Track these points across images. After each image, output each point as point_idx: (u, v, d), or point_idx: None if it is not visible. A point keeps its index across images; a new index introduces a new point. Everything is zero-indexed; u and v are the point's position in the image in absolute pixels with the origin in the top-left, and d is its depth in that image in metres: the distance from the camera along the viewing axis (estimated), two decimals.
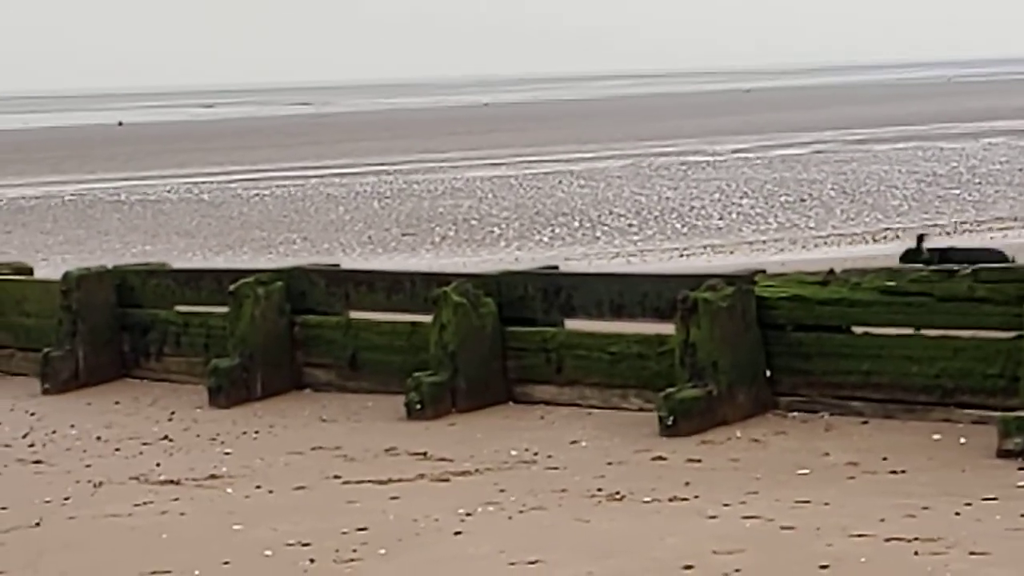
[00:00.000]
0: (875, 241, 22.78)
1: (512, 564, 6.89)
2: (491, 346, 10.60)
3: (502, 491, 8.25)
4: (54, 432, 10.71)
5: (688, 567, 6.67)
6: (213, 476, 9.05)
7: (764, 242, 23.52)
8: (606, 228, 26.40)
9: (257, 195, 35.91)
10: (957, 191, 30.16)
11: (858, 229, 24.43)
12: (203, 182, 40.79)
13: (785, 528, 7.22)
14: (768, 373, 9.78)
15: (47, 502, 8.61)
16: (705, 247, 23.22)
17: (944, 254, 11.07)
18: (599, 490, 8.18)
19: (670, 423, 9.40)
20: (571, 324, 10.70)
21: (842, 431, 9.24)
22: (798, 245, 22.66)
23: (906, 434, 9.06)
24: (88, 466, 9.54)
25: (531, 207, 30.26)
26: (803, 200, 29.47)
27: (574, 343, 10.44)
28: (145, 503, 8.45)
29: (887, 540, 6.92)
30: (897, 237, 22.86)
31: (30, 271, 14.27)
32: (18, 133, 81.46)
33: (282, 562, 7.15)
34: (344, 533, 7.53)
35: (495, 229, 26.80)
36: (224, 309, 11.71)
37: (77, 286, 12.51)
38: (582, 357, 10.36)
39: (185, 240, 27.24)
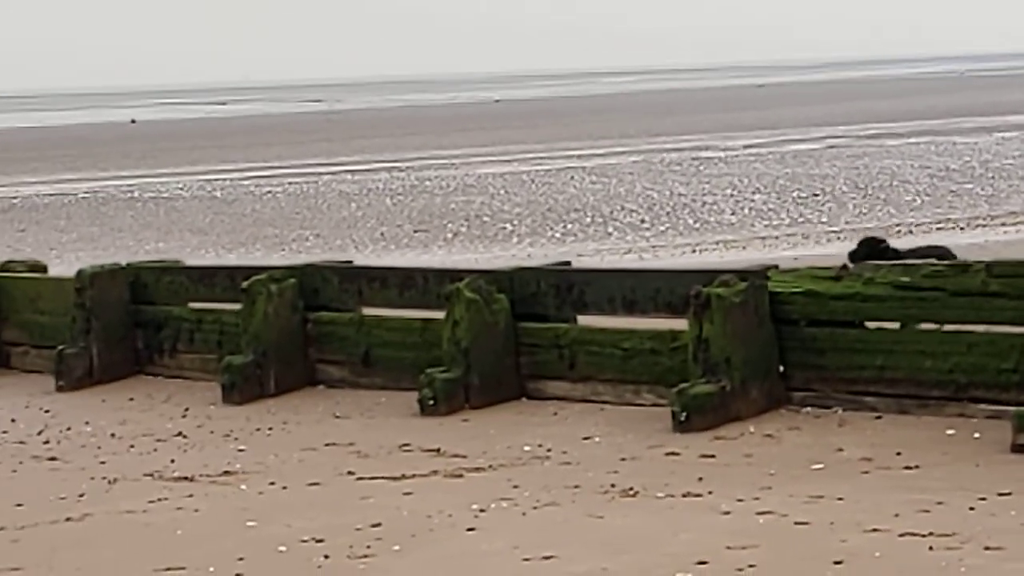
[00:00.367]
0: (888, 236, 22.72)
1: (526, 560, 6.90)
2: (504, 342, 10.60)
3: (515, 487, 8.26)
4: (69, 429, 10.74)
5: (702, 563, 6.67)
6: (227, 472, 9.06)
7: (777, 237, 23.49)
8: (618, 224, 26.38)
9: (270, 192, 35.94)
10: (970, 186, 30.09)
11: (871, 224, 24.37)
12: (216, 179, 40.82)
13: (799, 523, 7.21)
14: (781, 368, 9.77)
15: (62, 499, 8.63)
16: (717, 242, 23.19)
17: (890, 253, 11.01)
18: (612, 486, 8.18)
19: (683, 419, 9.40)
20: (583, 320, 10.70)
21: (856, 426, 9.23)
22: (811, 240, 22.63)
23: (920, 429, 9.05)
24: (103, 463, 9.56)
25: (543, 203, 30.25)
26: (816, 195, 29.42)
27: (587, 339, 10.44)
28: (159, 499, 8.47)
29: (901, 535, 6.92)
30: (910, 232, 22.82)
31: (44, 268, 14.29)
32: (32, 131, 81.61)
33: (296, 558, 7.16)
34: (358, 529, 7.54)
35: (507, 225, 26.79)
36: (237, 306, 11.72)
37: (91, 283, 12.54)
38: (595, 353, 10.36)
39: (198, 237, 27.27)
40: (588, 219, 27.24)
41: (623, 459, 8.83)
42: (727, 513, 7.49)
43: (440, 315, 10.72)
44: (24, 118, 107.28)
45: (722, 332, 9.57)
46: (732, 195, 30.35)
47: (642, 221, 26.67)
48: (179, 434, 10.35)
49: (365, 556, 7.12)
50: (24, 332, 13.38)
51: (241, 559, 7.17)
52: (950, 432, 8.94)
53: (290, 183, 38.41)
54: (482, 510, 7.81)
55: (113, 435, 10.43)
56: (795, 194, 29.81)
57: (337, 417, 10.62)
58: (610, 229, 25.71)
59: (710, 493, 7.91)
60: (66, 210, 33.61)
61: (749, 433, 9.27)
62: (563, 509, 7.77)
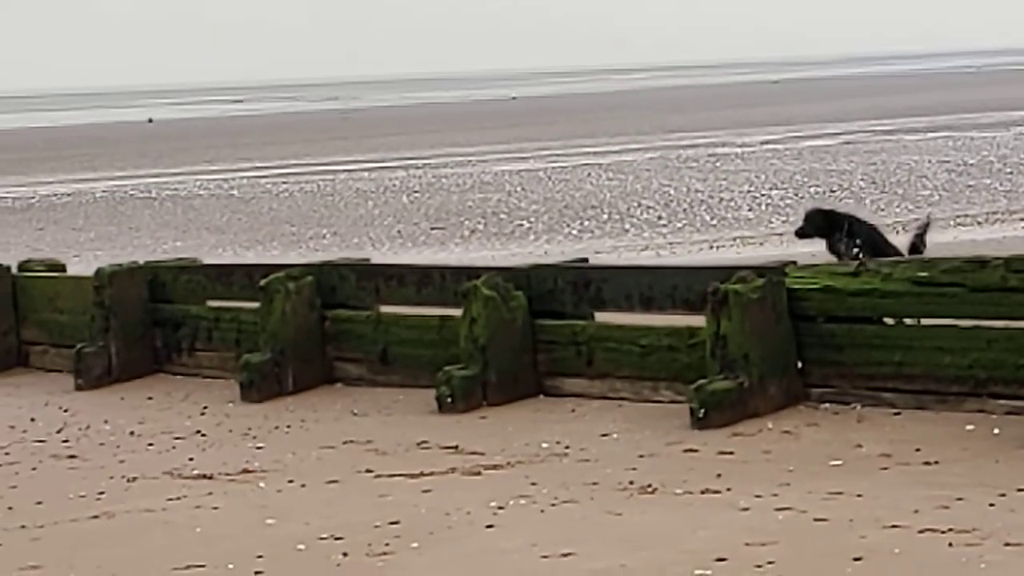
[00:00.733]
0: (906, 231, 22.66)
1: (544, 557, 6.90)
2: (521, 339, 10.60)
3: (534, 484, 8.26)
4: (88, 427, 10.76)
5: (721, 559, 6.67)
6: (246, 471, 9.08)
7: None
8: (635, 221, 26.35)
9: (287, 190, 35.98)
10: (988, 180, 30.00)
11: (889, 220, 24.31)
12: (233, 178, 40.89)
13: (818, 520, 7.20)
14: (799, 365, 9.76)
15: (81, 497, 8.66)
16: (735, 239, 23.16)
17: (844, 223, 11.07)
18: (631, 483, 8.18)
19: (701, 415, 9.39)
20: (601, 317, 10.69)
21: (874, 422, 9.21)
22: None
23: (939, 425, 9.03)
24: (122, 461, 9.58)
25: (560, 200, 30.24)
26: (833, 191, 29.36)
27: (604, 336, 10.44)
28: (178, 498, 8.49)
29: (921, 531, 6.90)
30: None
31: (63, 268, 14.34)
32: (49, 131, 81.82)
33: (315, 556, 7.17)
34: (376, 527, 7.54)
35: (524, 222, 26.78)
36: (255, 304, 11.74)
37: (109, 282, 12.57)
38: (612, 350, 10.36)
39: (216, 236, 27.31)
40: (605, 216, 27.22)
41: (641, 456, 8.83)
42: (746, 510, 7.48)
43: (457, 313, 10.73)
44: (41, 118, 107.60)
45: (740, 328, 9.56)
46: (749, 191, 30.31)
47: (659, 218, 26.65)
48: (198, 432, 10.37)
49: (383, 554, 7.12)
50: (43, 331, 13.42)
51: (260, 557, 7.19)
52: (969, 428, 8.92)
53: (307, 181, 38.46)
54: (500, 507, 7.81)
55: (132, 433, 10.46)
56: (812, 190, 29.75)
57: (355, 415, 10.63)
58: (627, 226, 25.69)
59: (728, 490, 7.90)
60: (84, 209, 33.69)
61: (767, 429, 9.26)
62: (581, 506, 7.77)
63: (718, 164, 37.49)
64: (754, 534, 6.99)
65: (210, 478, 8.95)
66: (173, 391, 11.93)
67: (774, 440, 9.03)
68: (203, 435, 10.27)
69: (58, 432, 10.68)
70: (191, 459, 9.50)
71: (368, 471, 8.87)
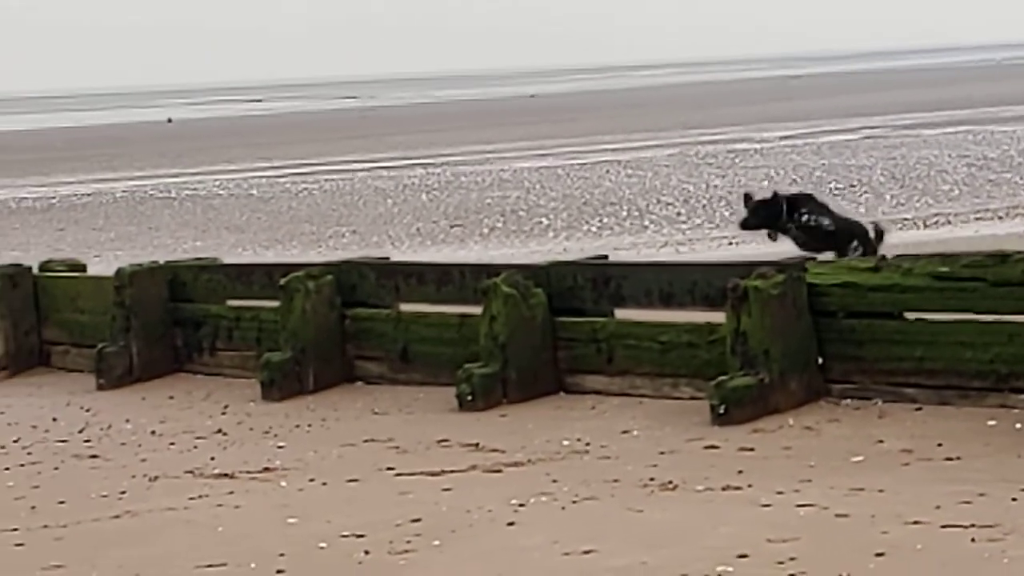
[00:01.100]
0: (926, 227, 22.62)
1: (566, 554, 6.89)
2: (541, 337, 10.60)
3: (554, 481, 8.26)
4: (109, 427, 10.80)
5: (742, 556, 6.66)
6: (267, 469, 9.09)
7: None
8: (654, 217, 26.32)
9: (306, 189, 36.02)
10: (1009, 175, 29.88)
11: (909, 214, 24.25)
12: (252, 177, 40.94)
13: (840, 516, 7.18)
14: (820, 360, 9.74)
15: (103, 496, 8.68)
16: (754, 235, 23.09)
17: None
18: (651, 479, 8.17)
19: (722, 412, 9.38)
20: (621, 314, 10.69)
21: (896, 418, 9.19)
22: None
23: (961, 420, 9.00)
24: (143, 460, 9.61)
25: (579, 197, 30.22)
26: (852, 186, 29.29)
27: (624, 333, 10.43)
28: (200, 496, 8.51)
29: (943, 527, 6.88)
30: (948, 222, 22.69)
31: (83, 268, 14.38)
32: (69, 131, 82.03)
33: (337, 554, 7.18)
34: (398, 525, 7.55)
35: (543, 220, 26.77)
36: (275, 303, 11.76)
37: (130, 282, 12.60)
38: (632, 347, 10.35)
39: (235, 235, 27.35)
40: (624, 213, 27.19)
41: (662, 453, 8.82)
42: (767, 506, 7.47)
43: (477, 310, 10.73)
44: (61, 118, 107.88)
45: (760, 324, 9.55)
46: (768, 187, 30.24)
47: (678, 214, 26.61)
48: (219, 431, 10.39)
49: (405, 551, 7.13)
50: (64, 331, 13.46)
51: (282, 555, 7.20)
52: (991, 423, 8.89)
53: (326, 180, 38.49)
54: (521, 505, 7.81)
55: (153, 433, 10.49)
56: (831, 185, 29.68)
57: (375, 413, 10.64)
58: (646, 222, 25.65)
59: (750, 486, 7.88)
60: (104, 209, 33.77)
61: (788, 426, 9.24)
62: (602, 503, 7.77)
63: (737, 160, 37.42)
64: (775, 530, 6.98)
65: (231, 477, 8.96)
66: (194, 390, 11.96)
67: (795, 436, 9.01)
68: (224, 434, 10.29)
69: (80, 432, 10.71)
70: (212, 458, 9.52)
71: (389, 469, 8.87)
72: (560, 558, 6.86)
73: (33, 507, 8.57)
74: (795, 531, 6.96)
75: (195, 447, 9.94)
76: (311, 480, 8.75)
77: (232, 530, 7.75)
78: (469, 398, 10.40)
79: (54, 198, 37.46)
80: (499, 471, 8.67)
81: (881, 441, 8.70)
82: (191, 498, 8.48)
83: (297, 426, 10.40)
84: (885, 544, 6.67)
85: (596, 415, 9.97)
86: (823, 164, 34.61)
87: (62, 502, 8.60)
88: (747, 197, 11.09)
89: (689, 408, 9.76)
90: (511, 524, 7.48)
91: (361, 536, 7.40)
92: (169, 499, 8.49)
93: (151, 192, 37.84)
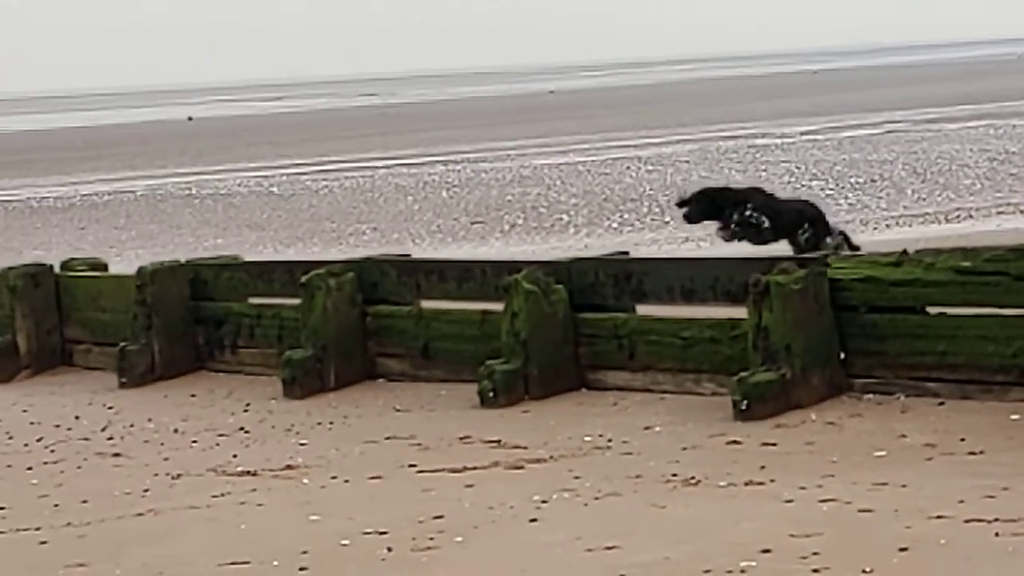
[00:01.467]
0: (948, 221, 22.55)
1: (589, 550, 6.89)
2: (563, 333, 10.59)
3: (577, 477, 8.25)
4: (132, 425, 10.82)
5: (765, 551, 6.65)
6: (289, 467, 9.11)
7: (835, 224, 23.29)
8: (675, 213, 26.28)
9: (326, 187, 36.06)
10: None
11: (930, 209, 24.18)
12: (273, 175, 41.00)
13: (863, 511, 7.17)
14: (842, 355, 9.71)
15: (127, 494, 8.71)
16: None
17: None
18: (674, 475, 8.16)
19: (744, 407, 9.37)
20: (642, 310, 10.67)
21: (918, 412, 9.16)
22: (869, 226, 22.46)
23: (984, 414, 8.97)
24: (166, 459, 9.63)
25: (599, 193, 30.19)
26: (874, 181, 29.21)
27: (646, 329, 10.42)
28: (223, 494, 8.52)
29: (967, 521, 6.86)
30: (970, 217, 22.61)
31: (105, 267, 14.42)
32: (89, 130, 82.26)
33: (360, 551, 7.19)
34: (420, 522, 7.56)
35: (564, 216, 26.76)
36: (296, 301, 11.78)
37: (151, 280, 12.63)
38: (654, 343, 10.34)
39: (256, 233, 27.40)
40: (645, 208, 27.16)
41: (684, 448, 8.81)
42: (790, 501, 7.45)
43: (499, 307, 10.73)
44: (81, 117, 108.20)
45: (782, 320, 9.53)
46: (789, 182, 30.17)
47: None
48: (241, 429, 10.41)
49: (428, 548, 7.13)
50: (86, 330, 13.50)
51: (305, 552, 7.21)
52: (1014, 417, 8.86)
53: (346, 177, 38.53)
54: (544, 501, 7.80)
55: (176, 431, 10.51)
56: (852, 180, 29.61)
57: (397, 410, 10.65)
58: (667, 218, 25.63)
59: (772, 481, 7.87)
60: (125, 208, 33.86)
61: (811, 421, 9.22)
62: (625, 499, 7.76)
63: (758, 155, 37.35)
64: (799, 525, 6.96)
65: (254, 475, 8.98)
66: (216, 388, 11.98)
67: (817, 431, 8.99)
68: (246, 432, 10.31)
69: (102, 430, 10.74)
70: (235, 456, 9.54)
71: (411, 466, 8.88)
72: (583, 554, 6.86)
73: (56, 505, 8.59)
74: (818, 526, 6.95)
75: (217, 445, 9.96)
76: (333, 477, 8.76)
77: (255, 528, 7.76)
78: (491, 395, 10.40)
79: (75, 197, 37.57)
80: (521, 467, 8.67)
81: (904, 436, 8.67)
82: (214, 496, 8.50)
83: (319, 423, 10.41)
84: (908, 539, 6.66)
85: (618, 411, 9.96)
86: (844, 159, 34.52)
87: (85, 500, 8.63)
88: (699, 192, 11.42)
89: (711, 404, 9.75)
90: (534, 520, 7.48)
91: (384, 533, 7.40)
92: (192, 497, 8.51)
93: (172, 190, 37.93)
